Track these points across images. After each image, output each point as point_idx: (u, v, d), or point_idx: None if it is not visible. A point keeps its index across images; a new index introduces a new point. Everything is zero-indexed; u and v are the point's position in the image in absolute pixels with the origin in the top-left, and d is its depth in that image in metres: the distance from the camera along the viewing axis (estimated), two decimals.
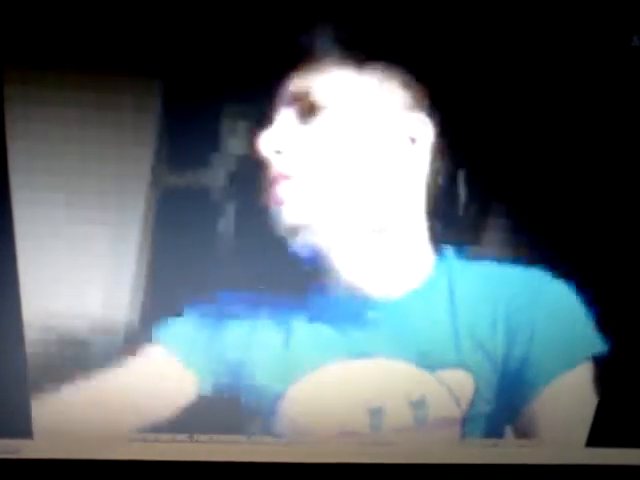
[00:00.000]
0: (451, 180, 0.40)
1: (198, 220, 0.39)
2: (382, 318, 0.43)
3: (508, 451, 0.47)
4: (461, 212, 0.41)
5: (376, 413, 0.45)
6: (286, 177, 0.39)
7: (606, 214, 0.42)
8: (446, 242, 0.42)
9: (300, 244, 0.41)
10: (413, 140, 0.40)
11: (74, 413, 0.43)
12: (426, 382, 0.44)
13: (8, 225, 0.37)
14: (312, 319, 0.43)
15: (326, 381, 0.44)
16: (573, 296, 0.44)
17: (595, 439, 0.47)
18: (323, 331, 0.43)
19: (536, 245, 0.42)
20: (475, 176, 0.40)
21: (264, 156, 0.39)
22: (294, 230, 0.40)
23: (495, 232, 0.41)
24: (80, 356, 0.41)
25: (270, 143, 0.38)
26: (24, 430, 0.42)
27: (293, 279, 0.42)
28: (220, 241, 0.40)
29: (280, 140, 0.39)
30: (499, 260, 0.42)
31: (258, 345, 0.43)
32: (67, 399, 0.42)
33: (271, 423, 0.45)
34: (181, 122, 0.37)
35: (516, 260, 0.42)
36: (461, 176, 0.40)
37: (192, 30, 0.35)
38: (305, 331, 0.43)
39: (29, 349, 0.40)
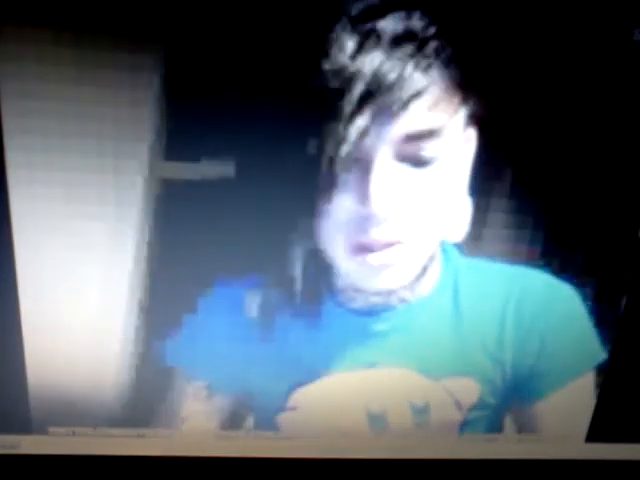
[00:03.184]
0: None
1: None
2: (389, 330, 0.42)
3: (506, 446, 0.47)
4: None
5: (378, 418, 0.44)
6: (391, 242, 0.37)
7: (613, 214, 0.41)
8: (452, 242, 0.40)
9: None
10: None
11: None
12: (431, 390, 0.44)
13: (5, 220, 0.36)
14: (318, 329, 0.41)
15: (329, 388, 0.43)
16: (579, 303, 0.42)
17: (595, 434, 0.47)
18: (329, 342, 0.42)
19: (546, 247, 0.40)
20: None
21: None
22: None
23: (504, 230, 0.40)
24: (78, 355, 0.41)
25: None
26: (23, 425, 0.42)
27: (309, 291, 0.40)
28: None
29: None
30: (506, 261, 0.40)
31: (263, 350, 0.42)
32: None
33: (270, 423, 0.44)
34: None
35: (525, 262, 0.41)
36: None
37: None
38: (310, 341, 0.41)
39: (27, 345, 0.40)
